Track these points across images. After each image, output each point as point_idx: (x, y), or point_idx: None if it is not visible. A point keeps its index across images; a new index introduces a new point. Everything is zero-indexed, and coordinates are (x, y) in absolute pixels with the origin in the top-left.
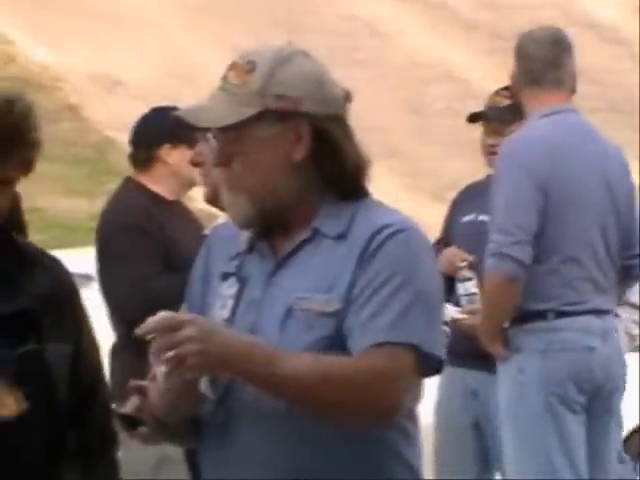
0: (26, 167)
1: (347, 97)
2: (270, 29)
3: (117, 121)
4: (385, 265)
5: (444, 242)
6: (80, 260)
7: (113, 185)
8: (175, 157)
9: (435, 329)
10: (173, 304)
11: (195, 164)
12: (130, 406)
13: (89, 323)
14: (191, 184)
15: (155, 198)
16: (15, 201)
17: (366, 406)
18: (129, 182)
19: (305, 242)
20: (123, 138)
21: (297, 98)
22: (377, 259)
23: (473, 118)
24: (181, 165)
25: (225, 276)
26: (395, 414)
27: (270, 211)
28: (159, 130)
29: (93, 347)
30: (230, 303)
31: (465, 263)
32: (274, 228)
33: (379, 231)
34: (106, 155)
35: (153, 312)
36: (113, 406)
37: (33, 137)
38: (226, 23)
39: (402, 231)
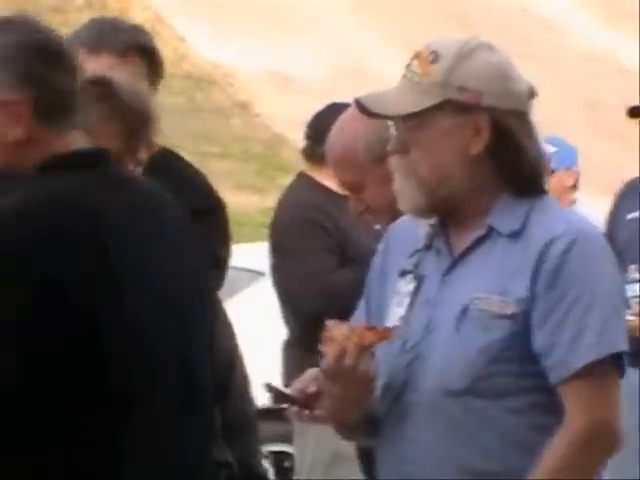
0: (150, 149)
1: (531, 93)
2: (442, 25)
3: (288, 117)
4: (569, 284)
5: (608, 239)
6: (250, 255)
7: (283, 181)
8: None
9: (624, 327)
10: (349, 299)
11: None
12: (294, 387)
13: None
14: None
15: (328, 193)
16: None
17: (604, 454)
18: (302, 177)
19: (480, 240)
20: (294, 134)
21: (479, 91)
22: (560, 278)
23: (634, 112)
24: None
25: (403, 273)
26: (620, 433)
27: (441, 202)
28: None
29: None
30: (406, 300)
31: (635, 266)
32: (449, 223)
33: (555, 241)
34: (277, 151)
35: (329, 307)
36: (267, 382)
37: (156, 123)
38: (398, 20)
39: (579, 242)
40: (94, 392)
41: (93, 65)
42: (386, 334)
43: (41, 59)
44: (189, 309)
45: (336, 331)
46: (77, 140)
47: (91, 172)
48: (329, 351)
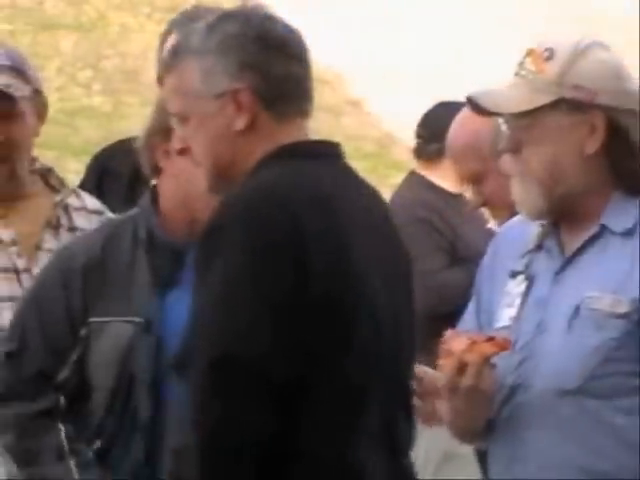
0: None
1: None
2: (557, 23)
3: (399, 116)
4: None
5: None
6: None
7: (395, 180)
8: None
9: None
10: (459, 299)
11: None
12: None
13: None
14: None
15: (440, 192)
16: None
17: None
18: (414, 176)
19: (593, 239)
20: (405, 133)
21: (594, 90)
22: None
23: None
24: None
25: (514, 274)
26: None
27: (558, 202)
28: (449, 124)
29: None
30: (517, 301)
31: None
32: (562, 223)
33: None
34: (388, 150)
35: (441, 306)
36: None
37: None
38: (509, 18)
39: None
40: (336, 380)
41: None
42: (506, 345)
43: (261, 47)
44: (401, 305)
45: (455, 343)
46: (303, 129)
47: (318, 162)
48: (448, 365)
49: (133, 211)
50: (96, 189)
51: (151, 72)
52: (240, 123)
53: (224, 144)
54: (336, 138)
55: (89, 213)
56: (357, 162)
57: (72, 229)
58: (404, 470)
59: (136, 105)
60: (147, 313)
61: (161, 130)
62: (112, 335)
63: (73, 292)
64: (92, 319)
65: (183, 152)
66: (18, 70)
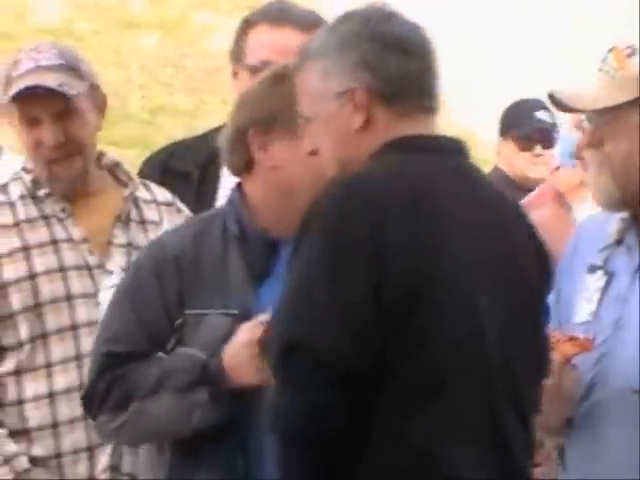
0: None
1: None
2: None
3: (481, 112)
4: None
5: None
6: None
7: None
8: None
9: None
10: None
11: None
12: None
13: None
14: None
15: (520, 187)
16: None
17: None
18: (496, 171)
19: None
20: (485, 130)
21: None
22: None
23: None
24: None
25: (592, 269)
26: None
27: (631, 197)
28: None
29: None
30: (596, 296)
31: None
32: (638, 218)
33: None
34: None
35: None
36: None
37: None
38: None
39: None
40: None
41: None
42: (587, 346)
43: (377, 45)
44: (521, 307)
45: None
46: (427, 124)
47: (429, 157)
48: None
49: (219, 207)
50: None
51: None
52: (357, 122)
53: (346, 143)
54: None
55: (159, 205)
56: None
57: (142, 222)
58: (514, 472)
59: (217, 103)
60: (243, 305)
61: (256, 124)
62: (209, 327)
63: (167, 282)
64: (187, 311)
65: (314, 153)
66: (72, 68)
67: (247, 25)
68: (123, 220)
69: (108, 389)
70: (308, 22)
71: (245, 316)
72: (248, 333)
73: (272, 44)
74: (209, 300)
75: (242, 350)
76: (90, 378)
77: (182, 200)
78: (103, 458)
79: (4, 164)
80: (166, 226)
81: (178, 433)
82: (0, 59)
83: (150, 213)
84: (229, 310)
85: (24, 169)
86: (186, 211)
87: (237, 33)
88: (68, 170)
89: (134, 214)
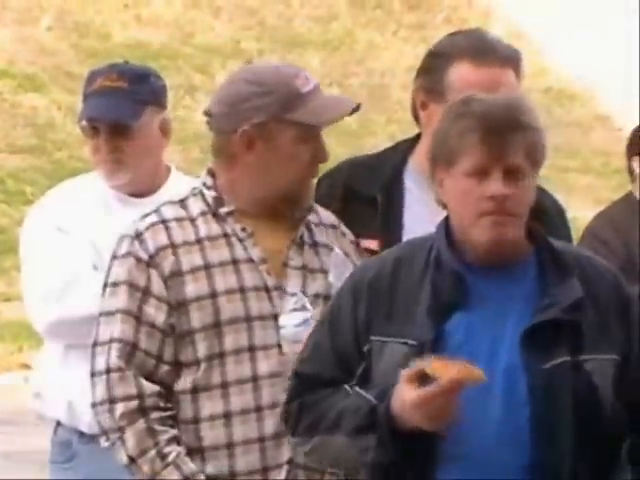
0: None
1: None
2: None
3: None
4: None
5: None
6: None
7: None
8: None
9: None
10: None
11: None
12: None
13: None
14: None
15: None
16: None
17: None
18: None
19: None
20: None
21: None
22: None
23: None
24: None
25: None
26: None
27: None
28: None
29: None
30: None
31: None
32: None
33: None
34: None
35: None
36: None
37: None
38: None
39: None
40: None
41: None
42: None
43: None
44: None
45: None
46: None
47: None
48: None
49: (432, 233)
50: (341, 210)
51: (397, 90)
52: None
53: None
54: (583, 153)
55: (326, 227)
56: (604, 179)
57: (314, 245)
58: None
59: (382, 122)
60: (422, 336)
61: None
62: (388, 356)
63: (359, 304)
64: (373, 337)
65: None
66: None
67: (446, 60)
68: (297, 242)
69: (299, 415)
70: (509, 57)
71: (423, 348)
72: (410, 378)
73: (477, 83)
74: (394, 327)
75: (407, 394)
76: (286, 397)
77: (366, 224)
78: None
79: (172, 184)
80: (337, 250)
81: (360, 467)
82: (171, 78)
83: (320, 236)
84: (409, 340)
85: (205, 185)
86: (349, 235)
87: (432, 66)
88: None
89: (306, 236)
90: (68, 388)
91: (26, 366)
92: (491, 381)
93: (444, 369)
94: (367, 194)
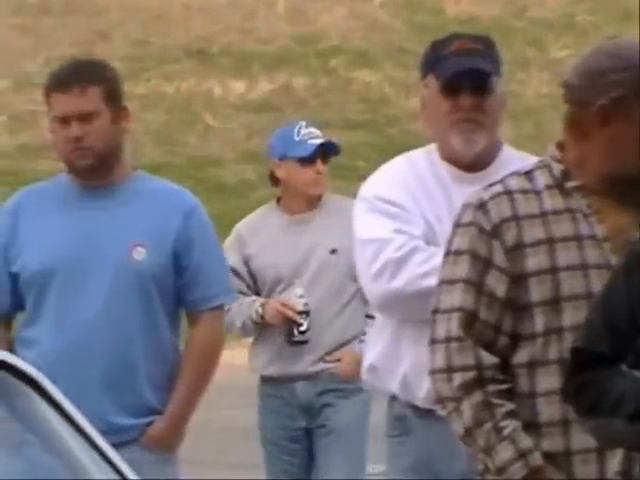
0: None
1: None
2: None
3: None
4: None
5: None
6: None
7: None
8: None
9: None
10: None
11: None
12: None
13: None
14: None
15: None
16: None
17: None
18: None
19: None
20: None
21: None
22: None
23: None
24: None
25: None
26: None
27: None
28: None
29: None
30: None
31: None
32: None
33: None
34: None
35: None
36: None
37: None
38: None
39: None
40: None
41: None
42: None
43: None
44: None
45: None
46: None
47: None
48: None
49: None
50: None
51: None
52: None
53: None
54: None
55: None
56: None
57: None
58: None
59: None
60: None
61: None
62: None
63: (634, 281)
64: None
65: None
66: None
67: None
68: None
69: (577, 392)
70: None
71: None
72: None
73: None
74: None
75: None
76: (565, 373)
77: None
78: (613, 461)
79: (503, 160)
80: None
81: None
82: (503, 52)
83: None
84: None
85: (553, 158)
86: None
87: None
88: None
89: None
90: (402, 363)
91: None
92: None
93: None
94: None
